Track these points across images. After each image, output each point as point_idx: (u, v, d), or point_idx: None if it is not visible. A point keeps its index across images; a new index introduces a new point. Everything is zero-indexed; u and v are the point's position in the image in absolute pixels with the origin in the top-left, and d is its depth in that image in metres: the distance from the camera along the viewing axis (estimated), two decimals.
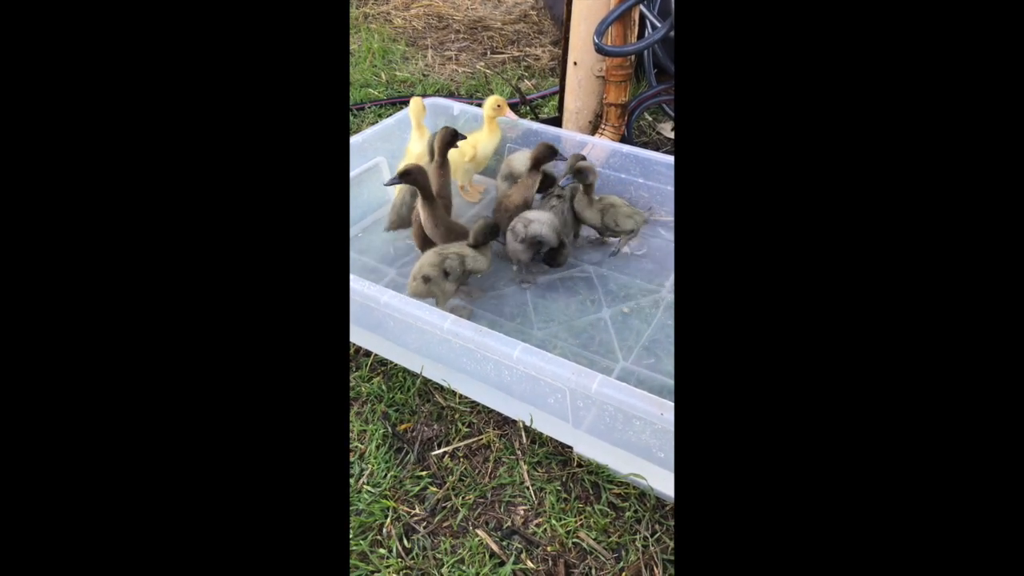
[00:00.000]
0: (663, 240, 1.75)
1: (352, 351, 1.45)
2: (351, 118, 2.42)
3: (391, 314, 1.25)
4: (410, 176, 1.47)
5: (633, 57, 1.88)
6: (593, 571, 1.05)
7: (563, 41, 2.01)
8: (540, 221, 1.51)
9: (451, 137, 1.61)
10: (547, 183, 1.70)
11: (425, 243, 1.57)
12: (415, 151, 1.81)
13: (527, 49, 3.04)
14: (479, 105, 1.94)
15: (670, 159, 1.71)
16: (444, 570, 1.05)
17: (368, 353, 1.44)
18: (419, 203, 1.53)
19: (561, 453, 1.23)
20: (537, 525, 1.12)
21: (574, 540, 1.09)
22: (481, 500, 1.16)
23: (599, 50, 1.75)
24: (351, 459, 1.23)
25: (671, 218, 1.76)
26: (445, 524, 1.13)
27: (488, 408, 1.32)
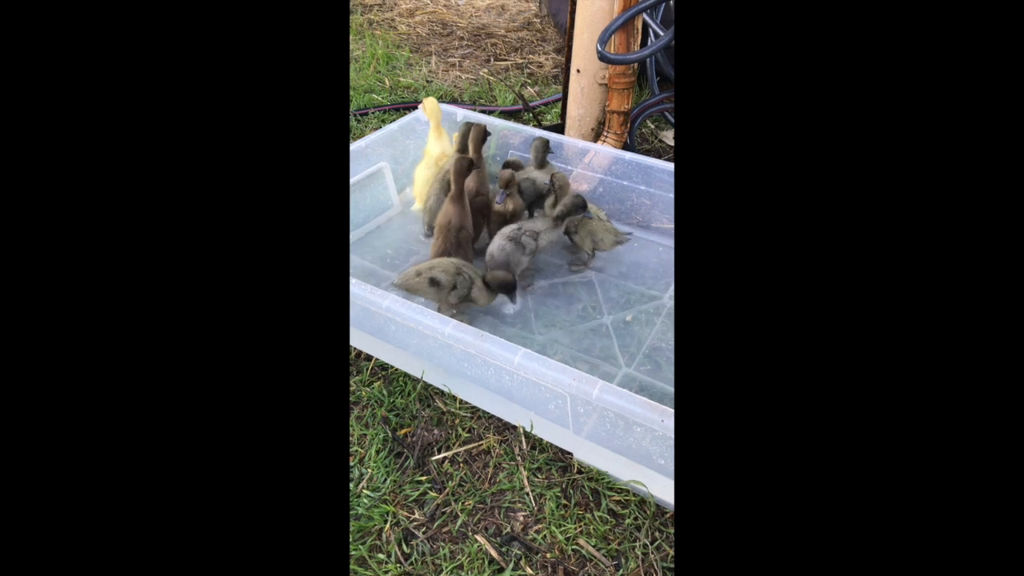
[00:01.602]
0: (664, 247, 1.75)
1: (353, 355, 1.45)
2: (355, 123, 2.43)
3: (392, 318, 1.25)
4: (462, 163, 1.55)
5: (636, 65, 1.89)
6: None
7: (566, 48, 2.02)
8: (545, 232, 1.59)
9: (485, 135, 1.65)
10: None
11: (455, 250, 1.57)
12: (434, 152, 1.81)
13: (530, 56, 3.06)
14: (483, 111, 1.94)
15: (672, 166, 1.72)
16: None
17: (369, 357, 1.44)
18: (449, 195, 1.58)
19: (561, 459, 1.23)
20: (537, 531, 1.12)
21: (574, 547, 1.09)
22: (481, 506, 1.16)
23: (602, 58, 1.76)
24: (351, 463, 1.23)
25: (672, 226, 1.77)
26: (444, 529, 1.12)
27: (488, 413, 1.32)
